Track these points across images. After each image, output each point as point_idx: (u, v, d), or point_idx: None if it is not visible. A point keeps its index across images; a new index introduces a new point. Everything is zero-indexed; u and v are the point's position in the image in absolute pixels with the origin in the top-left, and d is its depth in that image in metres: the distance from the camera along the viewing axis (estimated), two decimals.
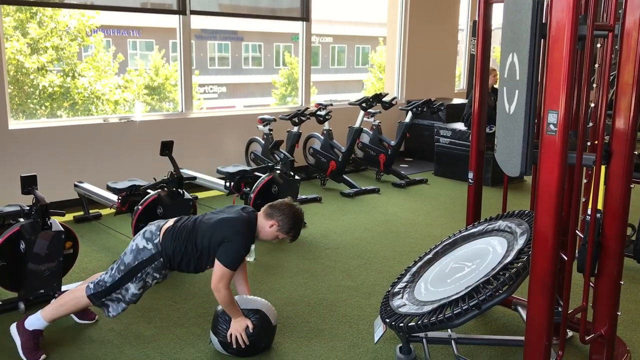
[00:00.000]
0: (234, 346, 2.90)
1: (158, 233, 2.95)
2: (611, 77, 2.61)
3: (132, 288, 2.92)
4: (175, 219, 3.05)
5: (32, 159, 5.25)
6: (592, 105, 2.69)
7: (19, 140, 5.22)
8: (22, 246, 3.32)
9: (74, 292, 2.98)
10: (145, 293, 3.66)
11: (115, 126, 5.80)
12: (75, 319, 3.27)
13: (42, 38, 14.08)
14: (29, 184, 3.61)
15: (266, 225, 2.94)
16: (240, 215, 2.94)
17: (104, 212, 5.22)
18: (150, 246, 2.91)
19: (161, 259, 2.90)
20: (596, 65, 2.74)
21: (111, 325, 3.27)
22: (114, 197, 4.48)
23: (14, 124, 5.32)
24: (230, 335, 2.89)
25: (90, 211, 5.18)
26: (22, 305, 3.39)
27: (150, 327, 3.26)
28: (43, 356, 2.89)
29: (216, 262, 2.83)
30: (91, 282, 2.96)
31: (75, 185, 5.13)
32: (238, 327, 2.89)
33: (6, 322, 3.27)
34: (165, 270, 2.97)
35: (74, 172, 5.41)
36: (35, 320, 2.92)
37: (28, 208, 3.55)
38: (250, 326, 2.90)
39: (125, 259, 2.93)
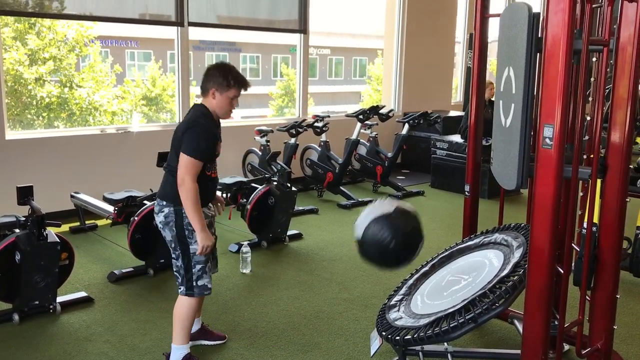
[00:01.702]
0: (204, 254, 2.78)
1: (159, 199, 2.86)
2: (606, 91, 2.62)
3: (196, 247, 2.79)
4: None
5: (29, 170, 5.24)
6: (588, 118, 2.70)
7: (16, 151, 5.21)
8: (18, 257, 3.31)
9: (178, 307, 2.88)
10: (140, 305, 3.66)
11: (113, 137, 5.80)
12: (206, 342, 3.19)
13: (40, 49, 14.11)
14: (25, 194, 3.61)
15: (210, 100, 2.80)
16: (193, 109, 2.85)
17: (100, 222, 5.20)
18: (165, 210, 2.81)
19: (180, 207, 2.77)
20: (592, 79, 2.76)
21: (106, 337, 3.25)
22: (111, 208, 4.47)
23: (11, 134, 5.32)
24: (202, 249, 2.76)
25: (87, 222, 5.16)
26: (16, 317, 3.37)
27: (146, 340, 3.24)
28: None
29: (181, 154, 2.70)
30: (180, 286, 2.87)
31: (72, 196, 5.12)
32: (208, 239, 2.76)
33: (1, 334, 3.25)
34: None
35: (71, 182, 5.40)
36: (175, 352, 2.88)
37: (24, 219, 3.54)
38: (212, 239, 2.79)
39: (167, 237, 2.84)
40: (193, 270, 2.83)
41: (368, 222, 2.69)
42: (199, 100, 2.91)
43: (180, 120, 5.68)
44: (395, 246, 2.66)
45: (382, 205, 2.75)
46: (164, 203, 2.83)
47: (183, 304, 2.86)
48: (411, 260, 2.76)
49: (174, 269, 2.89)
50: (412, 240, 2.75)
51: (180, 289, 2.88)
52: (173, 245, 2.85)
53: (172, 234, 2.82)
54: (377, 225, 2.68)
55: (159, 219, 2.86)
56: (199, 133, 2.73)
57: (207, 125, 2.78)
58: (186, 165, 2.69)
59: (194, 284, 2.83)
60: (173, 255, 2.88)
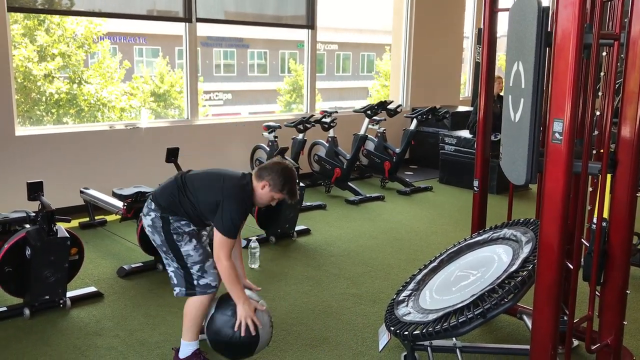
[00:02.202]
0: (243, 334, 2.69)
1: (148, 203, 2.86)
2: (617, 85, 2.60)
3: (187, 249, 2.80)
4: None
5: (39, 166, 5.27)
6: (598, 113, 2.68)
7: (26, 147, 5.24)
8: (28, 252, 3.33)
9: (187, 307, 2.84)
10: (150, 300, 3.68)
11: (121, 133, 5.83)
12: None
13: (49, 45, 14.17)
14: (35, 190, 3.63)
15: (258, 187, 2.79)
16: (236, 178, 2.82)
17: (109, 218, 5.23)
18: (152, 215, 2.81)
19: (168, 215, 2.79)
20: (602, 74, 2.74)
21: (116, 331, 3.28)
22: (120, 204, 4.49)
23: (21, 130, 5.35)
24: (240, 324, 2.69)
25: (96, 217, 5.19)
26: (27, 311, 3.40)
27: (155, 334, 3.26)
28: None
29: (215, 231, 2.72)
30: (177, 288, 2.84)
31: (81, 192, 5.15)
32: (247, 312, 2.70)
33: (12, 328, 3.28)
34: (183, 219, 2.83)
35: (80, 178, 5.43)
36: (184, 347, 2.88)
37: (34, 214, 3.57)
38: (260, 307, 2.76)
39: (157, 242, 2.84)
40: (191, 271, 2.80)
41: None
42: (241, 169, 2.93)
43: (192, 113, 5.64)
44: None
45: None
46: (153, 207, 2.82)
47: (193, 303, 2.82)
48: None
49: (169, 271, 2.85)
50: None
51: (175, 290, 2.83)
52: (164, 249, 2.82)
53: (161, 238, 2.81)
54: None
55: (146, 222, 2.85)
56: (239, 212, 2.75)
57: (244, 202, 2.79)
58: (221, 244, 2.70)
59: (195, 283, 2.79)
60: (165, 258, 2.85)
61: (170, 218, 2.79)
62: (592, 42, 2.27)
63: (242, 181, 2.80)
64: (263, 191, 2.80)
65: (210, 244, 2.87)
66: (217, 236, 2.71)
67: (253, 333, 2.71)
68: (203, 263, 2.82)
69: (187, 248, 2.79)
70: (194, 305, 2.83)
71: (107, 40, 15.37)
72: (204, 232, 2.96)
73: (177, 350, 2.91)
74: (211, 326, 2.78)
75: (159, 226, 2.80)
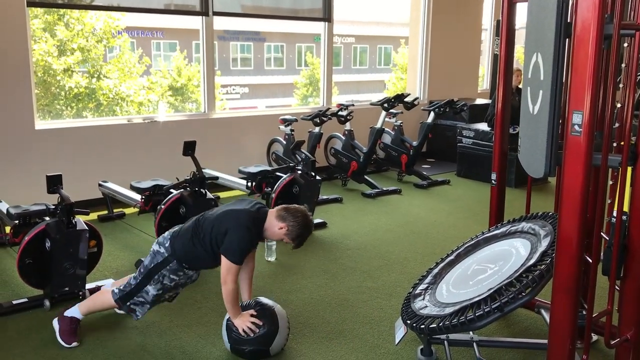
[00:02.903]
0: (251, 335, 2.88)
1: (168, 237, 3.02)
2: (638, 77, 2.56)
3: (151, 290, 3.01)
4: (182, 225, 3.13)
5: (58, 159, 5.33)
6: (618, 105, 2.64)
7: (45, 140, 5.31)
8: (48, 244, 3.38)
9: (105, 294, 3.11)
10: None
11: (139, 126, 5.87)
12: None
13: (69, 40, 14.31)
14: (54, 183, 3.67)
15: (275, 225, 2.91)
16: (247, 208, 2.93)
17: (127, 211, 5.28)
18: (162, 250, 2.98)
19: (175, 261, 2.96)
20: (622, 65, 2.70)
21: (134, 323, 3.31)
22: (138, 197, 4.53)
23: (41, 124, 5.42)
24: (243, 331, 2.88)
25: (114, 210, 5.24)
26: (47, 303, 3.44)
27: (172, 326, 3.29)
28: (75, 343, 3.04)
29: (222, 257, 2.84)
30: (117, 287, 3.06)
31: (100, 185, 5.20)
32: (244, 321, 2.89)
33: (32, 319, 3.33)
34: (183, 271, 3.01)
35: (99, 171, 5.49)
36: (73, 310, 3.11)
37: (53, 207, 3.61)
38: (253, 312, 2.92)
39: (145, 262, 3.03)
40: (135, 296, 3.02)
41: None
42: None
43: (207, 109, 5.67)
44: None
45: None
46: (167, 245, 2.98)
47: (107, 300, 3.08)
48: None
49: (137, 272, 3.04)
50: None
51: (116, 290, 3.04)
52: (142, 270, 3.01)
53: (149, 267, 2.99)
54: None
55: (155, 247, 3.03)
56: (244, 239, 2.86)
57: (252, 232, 2.89)
58: (228, 269, 2.84)
59: (130, 302, 3.03)
60: (135, 274, 3.04)
61: (169, 265, 2.96)
62: (612, 32, 2.23)
63: (254, 212, 2.91)
64: (278, 231, 2.93)
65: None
66: (224, 262, 2.84)
67: (257, 330, 2.89)
68: (148, 304, 3.06)
69: (150, 288, 3.00)
70: (105, 301, 3.09)
71: (125, 34, 15.48)
72: (180, 290, 3.18)
73: (65, 309, 3.13)
74: (231, 335, 2.96)
75: (156, 260, 2.98)
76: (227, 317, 2.97)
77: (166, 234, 3.06)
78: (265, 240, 4.31)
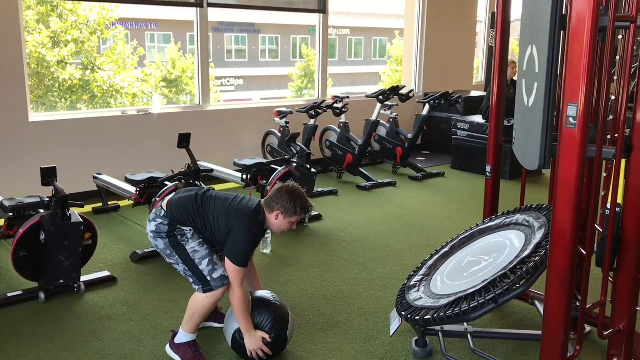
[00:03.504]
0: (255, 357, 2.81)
1: (160, 208, 2.86)
2: (632, 69, 2.57)
3: (195, 246, 2.80)
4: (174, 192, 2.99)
5: (52, 151, 5.31)
6: (613, 97, 2.65)
7: (39, 133, 5.28)
8: (42, 237, 3.37)
9: (194, 299, 2.84)
10: (163, 284, 3.71)
11: (134, 119, 5.85)
12: (215, 324, 3.19)
13: (63, 31, 14.22)
14: (48, 175, 3.66)
15: (272, 218, 2.82)
16: (249, 207, 2.83)
17: (122, 203, 5.27)
18: (159, 221, 2.82)
19: (176, 224, 2.80)
20: (617, 57, 2.70)
21: (129, 315, 3.31)
22: (132, 189, 4.52)
23: (35, 116, 5.39)
24: (251, 352, 2.80)
25: (109, 203, 5.23)
26: (42, 295, 3.44)
27: (168, 319, 3.29)
28: None
29: (226, 260, 2.76)
30: (197, 288, 2.83)
31: (94, 177, 5.19)
32: (255, 343, 2.78)
33: (27, 312, 3.33)
34: (192, 231, 2.85)
35: (93, 164, 5.47)
36: (182, 336, 2.87)
37: (48, 199, 3.60)
38: (267, 337, 2.80)
39: (160, 247, 2.85)
40: (201, 267, 2.77)
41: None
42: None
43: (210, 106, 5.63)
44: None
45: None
46: (162, 214, 2.82)
47: (200, 301, 2.80)
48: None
49: (181, 273, 2.86)
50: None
51: (196, 287, 2.82)
52: (168, 253, 2.82)
53: (165, 242, 2.81)
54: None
55: (150, 227, 2.85)
56: (249, 242, 2.77)
57: (257, 234, 2.82)
58: (234, 273, 2.75)
59: (209, 278, 2.77)
60: (171, 261, 2.85)
61: (177, 226, 2.81)
62: (607, 25, 2.24)
63: (255, 213, 2.81)
64: (278, 221, 2.83)
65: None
66: (229, 266, 2.75)
67: (265, 358, 2.81)
68: (211, 256, 2.81)
69: (193, 245, 2.80)
70: (199, 303, 2.80)
71: (119, 26, 15.39)
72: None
73: (175, 334, 2.89)
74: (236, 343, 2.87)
75: (163, 231, 2.80)
76: (234, 325, 2.84)
77: (154, 211, 2.89)
78: None
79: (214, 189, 3.00)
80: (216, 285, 2.76)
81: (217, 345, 3.03)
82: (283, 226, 2.85)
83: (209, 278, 2.77)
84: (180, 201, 2.86)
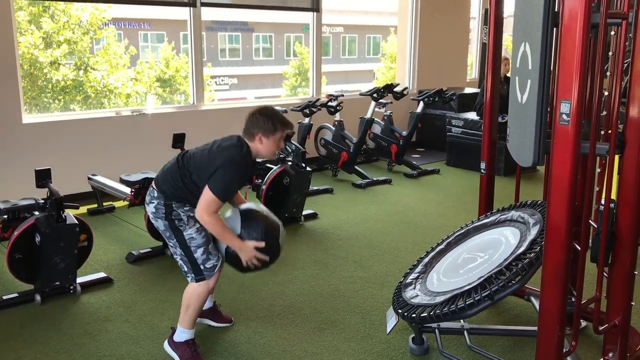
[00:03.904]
0: (253, 268, 2.83)
1: (153, 188, 2.86)
2: (625, 65, 2.58)
3: (192, 233, 2.79)
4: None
5: (46, 153, 5.30)
6: (606, 93, 2.66)
7: (33, 134, 5.26)
8: (38, 239, 3.36)
9: (187, 292, 2.84)
10: (159, 285, 3.71)
11: (128, 119, 5.83)
12: (212, 323, 3.21)
13: (55, 32, 14.16)
14: (43, 177, 3.65)
15: (257, 144, 2.78)
16: (230, 141, 2.81)
17: (117, 204, 5.26)
18: (155, 202, 2.81)
19: (171, 202, 2.79)
20: (610, 53, 2.71)
21: (126, 316, 3.31)
22: (127, 190, 4.51)
23: (28, 117, 5.37)
24: (247, 264, 2.79)
25: (104, 204, 5.22)
26: (38, 298, 3.43)
27: (164, 319, 3.29)
28: None
29: (205, 189, 2.67)
30: (187, 275, 2.85)
31: (89, 178, 5.17)
32: (248, 253, 2.75)
33: (23, 314, 3.32)
34: (186, 205, 2.82)
35: (88, 165, 5.46)
36: (180, 333, 2.86)
37: (43, 201, 3.59)
38: (258, 244, 2.77)
39: (161, 228, 2.84)
40: (195, 255, 2.79)
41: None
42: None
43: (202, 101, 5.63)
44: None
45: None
46: (156, 194, 2.82)
47: (194, 291, 2.82)
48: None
49: (177, 259, 2.85)
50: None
51: (188, 277, 2.82)
52: (168, 234, 2.82)
53: (165, 223, 2.81)
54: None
55: (149, 209, 2.85)
56: (233, 174, 2.72)
57: (243, 168, 2.77)
58: (209, 202, 2.67)
59: (202, 267, 2.79)
60: (170, 244, 2.85)
61: (173, 205, 2.79)
62: (599, 21, 2.24)
63: (237, 147, 2.77)
64: (263, 144, 2.79)
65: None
66: (207, 195, 2.66)
67: (260, 265, 2.82)
68: (206, 245, 2.82)
69: (190, 231, 2.80)
70: (193, 293, 2.82)
71: (112, 26, 15.34)
72: None
73: (174, 331, 2.90)
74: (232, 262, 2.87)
75: (162, 212, 2.81)
76: (223, 245, 2.83)
77: (148, 192, 2.88)
78: None
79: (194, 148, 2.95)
80: (208, 275, 2.80)
81: (215, 345, 3.03)
82: (271, 147, 2.81)
83: (202, 267, 2.79)
84: (165, 172, 2.87)
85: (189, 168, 2.81)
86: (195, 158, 2.83)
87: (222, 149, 2.78)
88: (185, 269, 2.83)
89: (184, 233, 2.79)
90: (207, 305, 3.20)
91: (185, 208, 2.82)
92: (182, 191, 2.80)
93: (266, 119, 2.78)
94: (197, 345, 2.89)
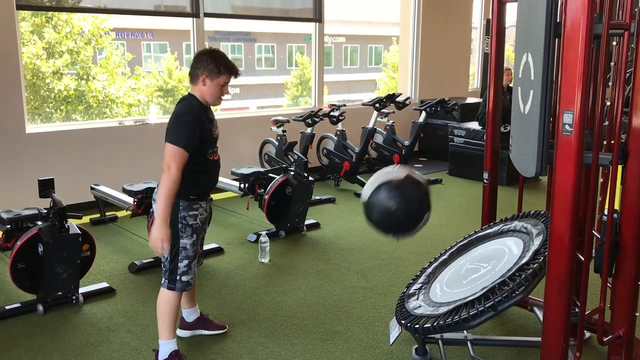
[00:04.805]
0: (156, 254, 2.74)
1: (155, 193, 2.85)
2: (627, 75, 2.58)
3: (187, 242, 2.78)
4: None
5: (49, 163, 5.31)
6: (608, 103, 2.66)
7: (36, 144, 5.28)
8: (41, 249, 3.36)
9: (158, 299, 2.84)
10: None
11: (131, 129, 5.85)
12: (205, 332, 3.20)
13: (57, 42, 14.23)
14: (46, 187, 3.66)
15: (200, 87, 2.76)
16: (182, 98, 2.84)
17: (120, 214, 5.26)
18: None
19: (178, 200, 2.75)
20: (612, 63, 2.72)
21: (128, 327, 3.30)
22: (130, 200, 4.51)
23: (31, 127, 5.39)
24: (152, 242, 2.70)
25: (107, 213, 5.22)
26: (40, 307, 3.43)
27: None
28: None
29: (166, 145, 2.70)
30: (162, 278, 2.83)
31: (92, 188, 5.18)
32: (162, 235, 2.65)
33: (26, 324, 3.32)
34: (195, 203, 2.81)
35: (90, 174, 5.47)
36: (162, 348, 2.85)
37: (46, 211, 3.60)
38: (166, 246, 2.68)
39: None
40: (179, 264, 2.78)
41: (376, 187, 2.60)
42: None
43: None
44: (400, 215, 2.59)
45: (393, 172, 2.67)
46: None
47: (163, 299, 2.82)
48: (414, 230, 2.66)
49: (162, 260, 2.84)
50: (418, 211, 2.63)
51: (162, 281, 2.82)
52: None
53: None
54: (384, 191, 2.58)
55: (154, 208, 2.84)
56: (186, 122, 2.71)
57: (194, 114, 2.74)
58: (171, 153, 2.67)
59: (178, 278, 2.80)
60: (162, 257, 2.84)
61: (180, 204, 2.77)
62: (602, 32, 2.25)
63: (184, 97, 2.81)
64: (206, 86, 2.76)
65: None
66: (168, 147, 2.68)
67: (160, 255, 2.73)
68: (192, 260, 2.83)
69: (186, 241, 2.80)
70: (165, 301, 2.82)
71: (112, 34, 15.38)
72: (205, 227, 2.99)
73: (157, 352, 2.87)
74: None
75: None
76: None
77: (154, 192, 2.87)
78: (259, 243, 4.31)
79: None
80: (179, 287, 2.81)
81: (217, 356, 3.02)
82: (214, 91, 2.78)
83: (178, 278, 2.80)
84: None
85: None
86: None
87: (173, 112, 2.79)
88: (163, 270, 2.83)
89: (180, 241, 2.79)
90: (194, 316, 3.21)
91: (191, 212, 2.79)
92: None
93: (211, 60, 2.75)
94: (183, 355, 2.88)
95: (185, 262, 2.81)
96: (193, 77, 2.78)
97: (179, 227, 2.78)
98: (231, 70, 2.81)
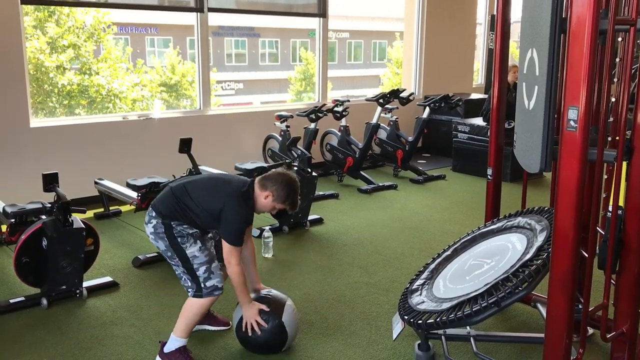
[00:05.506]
0: (250, 334, 2.88)
1: (150, 208, 2.90)
2: (632, 71, 2.57)
3: (193, 250, 2.82)
4: None
5: (53, 157, 5.32)
6: (613, 99, 2.65)
7: (41, 139, 5.29)
8: (45, 243, 3.37)
9: (188, 303, 2.87)
10: (165, 289, 3.71)
11: (135, 124, 5.85)
12: (209, 327, 3.23)
13: (60, 36, 14.23)
14: (50, 181, 3.67)
15: (261, 196, 2.83)
16: (237, 183, 2.87)
17: (123, 208, 5.27)
18: (154, 222, 2.85)
19: (169, 221, 2.81)
20: (617, 59, 2.71)
21: (132, 321, 3.31)
22: (134, 194, 4.52)
23: (35, 122, 5.40)
24: (245, 324, 2.86)
25: (111, 208, 5.24)
26: (44, 301, 3.44)
27: (170, 324, 3.27)
28: None
29: (223, 241, 2.80)
30: (189, 291, 2.88)
31: (96, 183, 5.19)
32: (251, 314, 2.85)
33: (30, 318, 3.33)
34: (184, 224, 2.85)
35: (94, 169, 5.48)
36: (172, 342, 2.87)
37: (50, 205, 3.61)
38: (264, 307, 2.88)
39: (162, 248, 2.88)
40: (198, 273, 2.81)
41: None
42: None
43: (201, 106, 5.63)
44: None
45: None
46: (154, 214, 2.85)
47: (192, 304, 2.84)
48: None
49: (178, 273, 2.87)
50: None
51: (189, 291, 2.85)
52: (169, 254, 2.85)
53: (165, 243, 2.83)
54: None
55: (148, 230, 2.88)
56: (242, 220, 2.82)
57: (246, 208, 2.83)
58: (230, 252, 2.79)
59: (202, 285, 2.82)
60: (172, 263, 2.87)
61: (172, 223, 2.83)
62: (607, 28, 2.24)
63: (243, 188, 2.84)
64: (266, 201, 2.85)
65: (216, 247, 2.97)
66: (225, 245, 2.79)
67: (259, 333, 2.87)
68: (209, 264, 2.84)
69: (193, 250, 2.82)
70: (194, 306, 2.84)
71: (114, 27, 15.36)
72: (209, 235, 3.01)
73: (163, 344, 2.89)
74: (239, 331, 2.96)
75: (161, 232, 2.83)
76: (238, 314, 2.94)
77: (147, 212, 2.92)
78: (262, 238, 4.32)
79: (183, 176, 2.99)
80: (206, 293, 2.82)
81: (220, 351, 3.03)
82: (266, 207, 2.88)
83: (202, 285, 2.82)
84: (161, 199, 2.91)
85: (187, 203, 2.83)
86: (198, 189, 2.87)
87: (232, 194, 2.82)
88: (188, 283, 2.85)
89: (187, 251, 2.82)
90: None
91: (184, 225, 2.85)
92: (178, 214, 2.83)
93: (286, 189, 2.84)
94: (189, 351, 2.90)
95: (203, 268, 2.82)
96: (262, 185, 2.85)
97: (179, 241, 2.82)
98: (293, 206, 2.90)
